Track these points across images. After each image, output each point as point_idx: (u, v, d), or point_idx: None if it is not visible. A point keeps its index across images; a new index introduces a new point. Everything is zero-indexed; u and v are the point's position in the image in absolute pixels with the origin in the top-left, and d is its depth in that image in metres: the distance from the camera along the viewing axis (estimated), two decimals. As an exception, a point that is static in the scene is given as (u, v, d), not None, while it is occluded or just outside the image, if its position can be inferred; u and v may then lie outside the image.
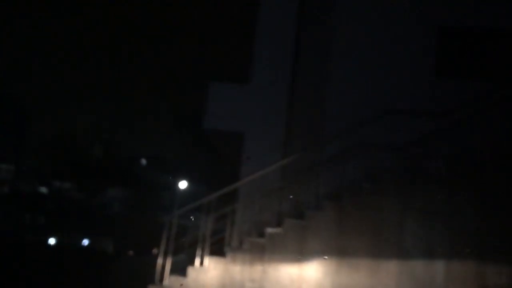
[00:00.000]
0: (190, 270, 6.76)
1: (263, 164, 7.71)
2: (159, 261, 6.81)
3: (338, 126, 8.02)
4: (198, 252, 6.88)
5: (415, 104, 8.23)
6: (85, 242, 35.99)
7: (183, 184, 35.50)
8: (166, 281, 6.77)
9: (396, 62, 8.64)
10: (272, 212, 7.67)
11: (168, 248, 6.89)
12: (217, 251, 7.10)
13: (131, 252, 31.22)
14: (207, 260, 6.81)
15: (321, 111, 8.66)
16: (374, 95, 8.46)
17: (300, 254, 6.55)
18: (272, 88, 8.88)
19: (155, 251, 29.70)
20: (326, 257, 6.53)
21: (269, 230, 6.75)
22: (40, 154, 45.84)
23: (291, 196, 7.90)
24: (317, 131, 8.53)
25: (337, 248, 6.55)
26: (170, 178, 37.62)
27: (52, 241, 34.66)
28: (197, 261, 6.86)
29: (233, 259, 6.67)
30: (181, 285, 6.68)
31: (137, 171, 44.55)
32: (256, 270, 6.59)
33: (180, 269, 6.94)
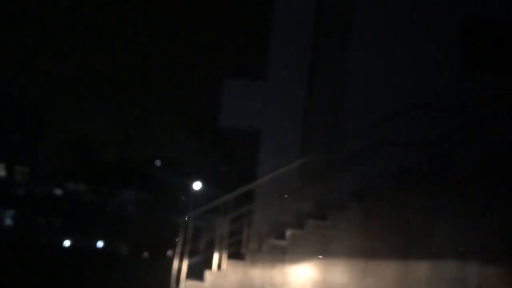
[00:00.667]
0: (208, 274, 6.44)
1: (281, 162, 7.39)
2: (175, 264, 6.49)
3: (359, 122, 7.68)
4: (216, 254, 6.56)
5: (439, 100, 7.87)
6: (100, 244, 35.98)
7: (197, 185, 35.31)
8: (182, 285, 6.45)
9: (418, 57, 8.28)
10: (291, 213, 7.33)
11: (184, 251, 6.56)
12: (235, 253, 6.79)
13: (145, 254, 31.13)
14: (225, 263, 6.49)
15: (340, 107, 8.32)
16: (396, 91, 8.10)
17: (324, 256, 6.20)
18: (289, 85, 8.57)
19: (169, 253, 29.62)
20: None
21: (290, 231, 6.40)
22: (54, 156, 46.04)
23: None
24: (337, 128, 8.19)
25: (363, 250, 6.18)
26: (185, 179, 37.44)
27: (66, 243, 34.71)
28: (214, 264, 6.54)
29: (253, 262, 6.32)
30: None
31: (151, 172, 44.46)
32: (277, 274, 6.24)
33: (196, 273, 6.64)
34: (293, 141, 8.19)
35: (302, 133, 8.29)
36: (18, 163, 45.19)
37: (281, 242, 6.38)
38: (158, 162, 47.22)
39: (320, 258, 6.17)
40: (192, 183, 34.94)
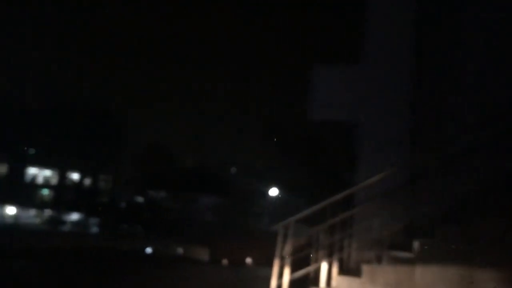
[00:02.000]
0: (315, 292, 5.35)
1: (386, 160, 6.22)
2: (274, 281, 5.45)
3: (483, 108, 6.33)
4: (323, 269, 5.46)
5: None
6: (180, 250, 36.09)
7: (274, 191, 34.50)
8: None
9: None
10: (411, 219, 6.07)
11: (283, 265, 5.51)
12: (346, 268, 5.66)
13: (225, 261, 30.67)
14: (335, 280, 5.36)
15: (458, 91, 6.94)
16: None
17: (468, 272, 4.85)
18: (391, 67, 7.33)
19: (248, 260, 28.94)
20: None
21: (418, 241, 5.11)
22: (136, 164, 47.22)
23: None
24: (454, 117, 6.84)
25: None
26: (267, 184, 36.77)
27: (148, 250, 35.10)
28: (322, 281, 5.43)
29: (372, 278, 5.12)
30: None
31: (230, 178, 44.28)
32: (404, 294, 5.01)
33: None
34: (401, 133, 6.98)
35: (410, 125, 7.04)
36: (102, 172, 46.81)
37: (407, 254, 5.12)
38: (235, 168, 46.80)
39: (460, 272, 4.84)
40: (274, 188, 34.18)
